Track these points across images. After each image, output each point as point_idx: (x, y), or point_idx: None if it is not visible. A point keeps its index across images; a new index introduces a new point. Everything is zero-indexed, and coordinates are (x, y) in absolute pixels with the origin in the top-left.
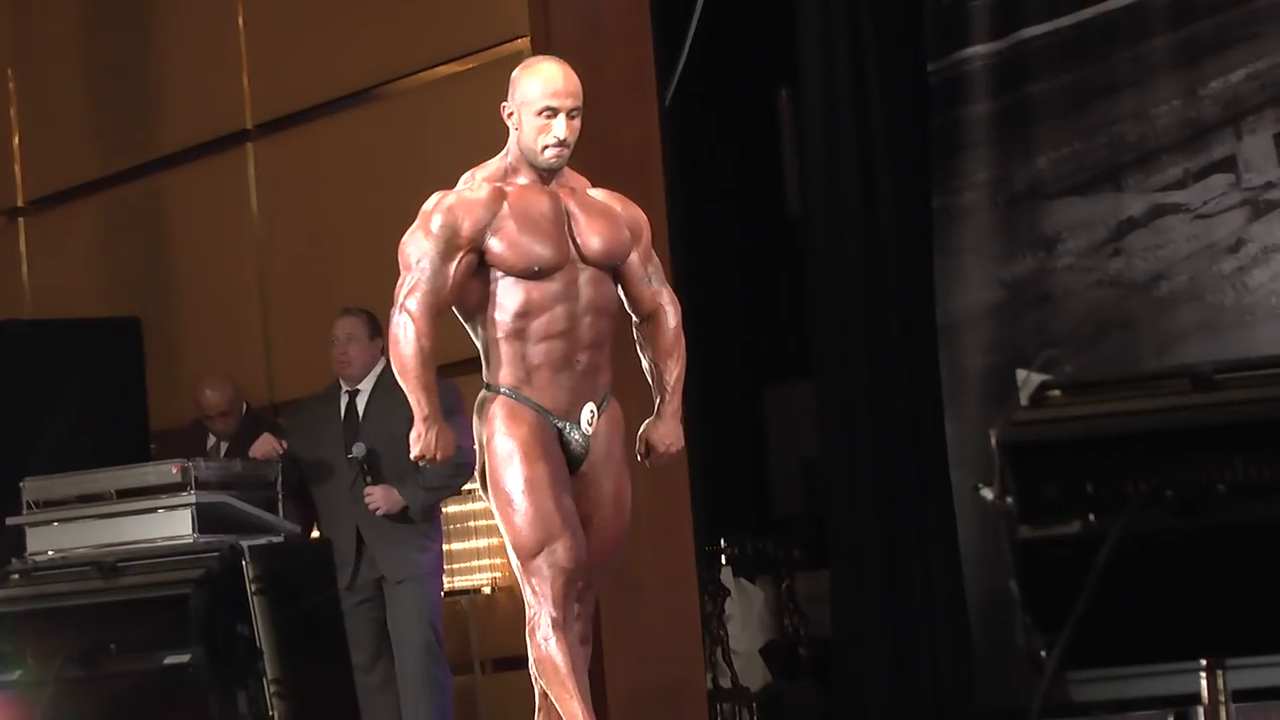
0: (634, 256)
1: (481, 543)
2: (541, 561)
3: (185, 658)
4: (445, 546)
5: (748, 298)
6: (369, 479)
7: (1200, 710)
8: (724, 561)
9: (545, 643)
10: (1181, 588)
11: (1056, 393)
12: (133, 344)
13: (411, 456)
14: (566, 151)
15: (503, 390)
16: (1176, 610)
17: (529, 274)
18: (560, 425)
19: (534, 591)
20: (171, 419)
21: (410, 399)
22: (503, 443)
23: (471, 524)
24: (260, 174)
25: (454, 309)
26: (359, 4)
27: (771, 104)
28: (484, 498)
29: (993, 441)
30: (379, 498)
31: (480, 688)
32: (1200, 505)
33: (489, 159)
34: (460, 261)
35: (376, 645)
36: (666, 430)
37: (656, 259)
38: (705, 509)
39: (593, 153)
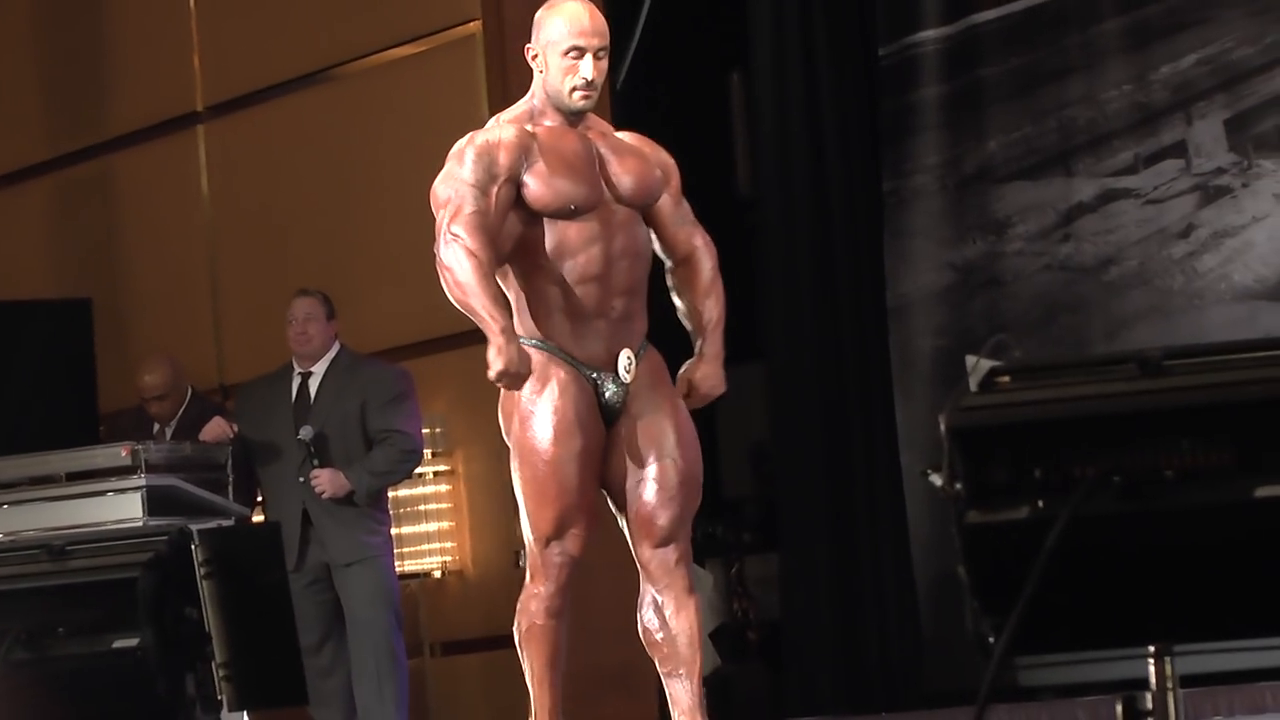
0: (665, 199)
1: (431, 526)
2: (552, 546)
3: (134, 640)
4: (395, 530)
5: None
6: (316, 462)
7: (1148, 695)
8: None
9: (535, 623)
10: (1129, 572)
11: (1005, 378)
12: (83, 325)
13: (490, 375)
14: (595, 93)
15: (535, 343)
16: (1124, 595)
17: (564, 213)
18: (596, 377)
19: (537, 568)
20: (122, 401)
21: (479, 318)
22: (529, 401)
23: (421, 508)
24: (211, 156)
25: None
26: None
27: (723, 87)
28: (507, 443)
29: (941, 426)
30: (325, 481)
31: (429, 670)
32: (1147, 490)
33: (440, 140)
34: (500, 191)
35: (324, 627)
36: (709, 371)
37: (686, 203)
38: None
39: None
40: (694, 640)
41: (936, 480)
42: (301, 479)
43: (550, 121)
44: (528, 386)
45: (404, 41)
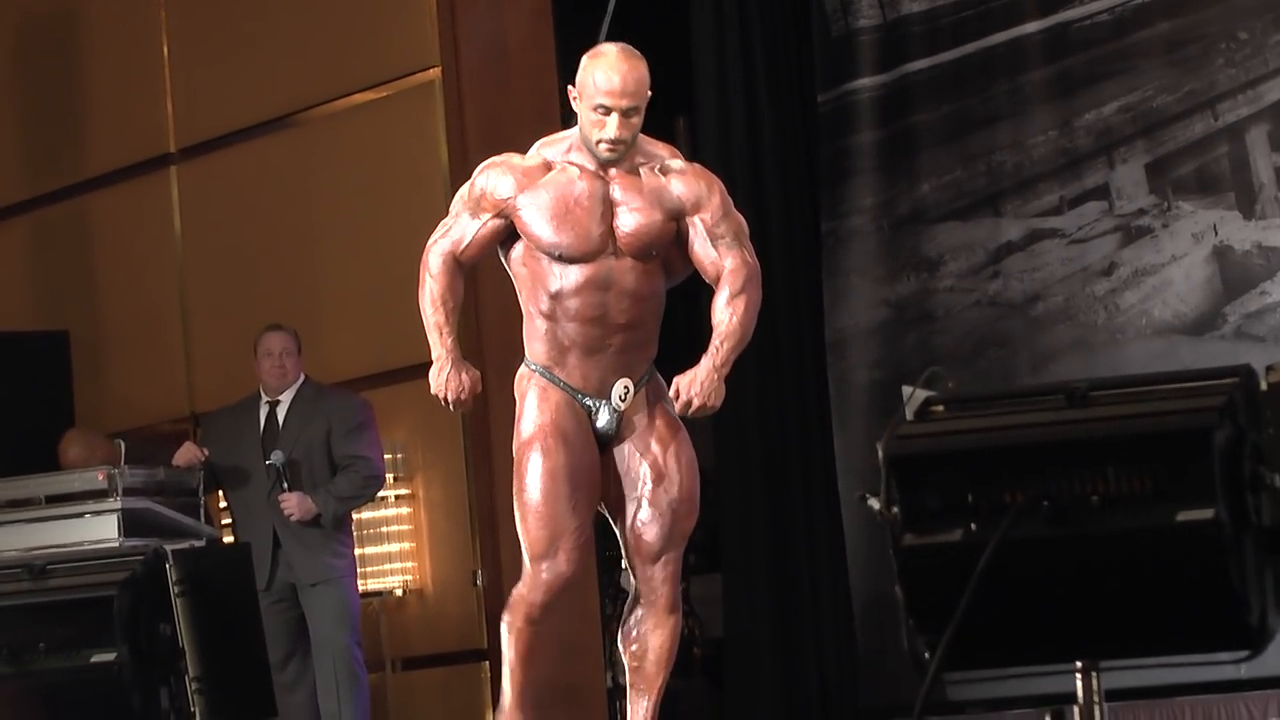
0: (695, 222)
1: (393, 547)
2: (544, 562)
3: (110, 656)
4: (359, 550)
5: None
6: (286, 485)
7: (1075, 709)
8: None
9: (515, 624)
10: (1057, 593)
11: (939, 408)
12: (60, 357)
13: (432, 391)
14: (622, 147)
15: (536, 367)
16: (1052, 614)
17: (552, 255)
18: (591, 404)
19: (527, 577)
20: (97, 428)
21: (428, 338)
22: (529, 426)
23: (383, 529)
24: (182, 196)
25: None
26: (277, 35)
27: (669, 131)
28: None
29: (879, 454)
30: (293, 504)
31: (390, 686)
32: (1074, 515)
33: (400, 181)
34: (486, 223)
35: (290, 644)
36: (696, 377)
37: (736, 218)
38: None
39: None
40: (661, 660)
41: (874, 505)
42: (271, 503)
43: (582, 158)
44: (527, 407)
45: (366, 88)
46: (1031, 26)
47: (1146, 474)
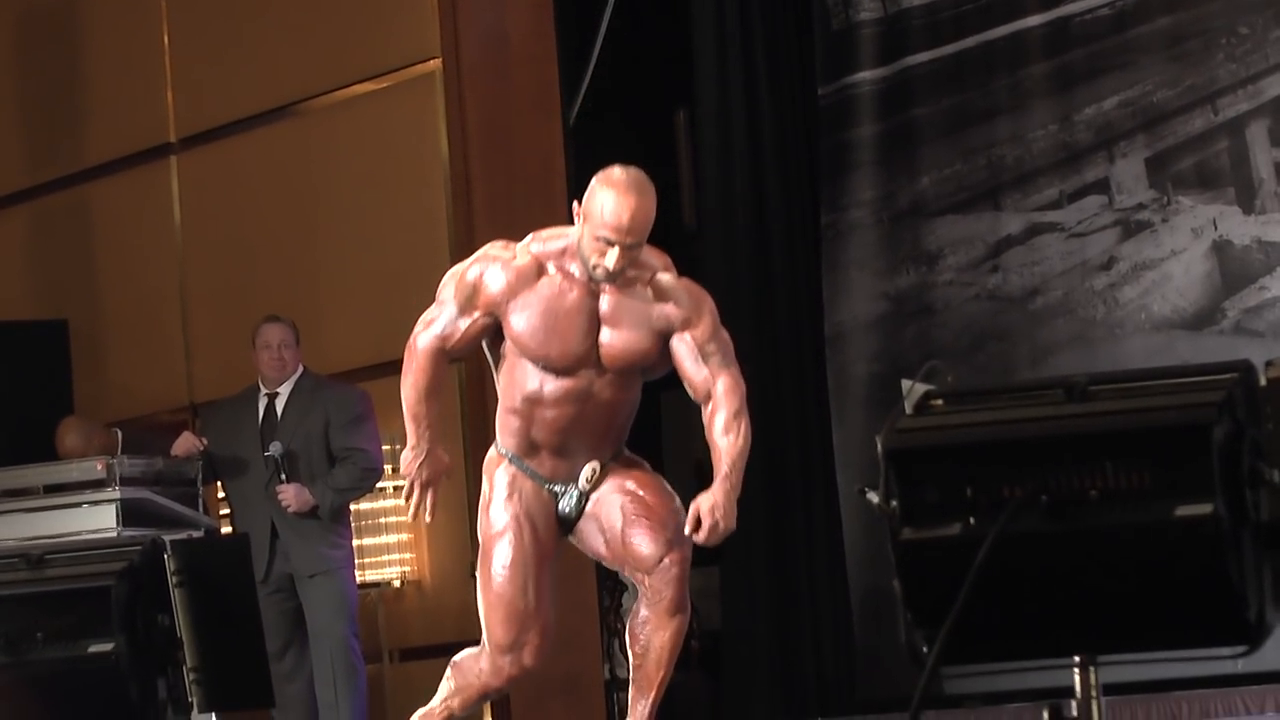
0: (685, 339)
1: (391, 538)
2: (507, 655)
3: (108, 646)
4: (356, 542)
5: None
6: (284, 476)
7: (1073, 703)
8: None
9: (470, 682)
10: (1055, 588)
11: (939, 402)
12: (60, 346)
13: (401, 473)
14: (618, 277)
15: (507, 453)
16: (1050, 609)
17: (537, 363)
18: (557, 490)
19: (487, 663)
20: (96, 418)
21: (407, 428)
22: (499, 516)
23: (381, 520)
24: (182, 186)
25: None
26: (278, 25)
27: (669, 124)
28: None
29: (878, 447)
30: (291, 496)
31: (388, 677)
32: (1073, 510)
33: (399, 171)
34: (476, 320)
35: (287, 635)
36: (717, 501)
37: (724, 337)
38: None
39: (498, 169)
40: (662, 661)
41: (873, 498)
42: (270, 494)
43: (574, 268)
44: (496, 495)
45: (366, 78)
46: (1032, 20)
47: (1145, 469)
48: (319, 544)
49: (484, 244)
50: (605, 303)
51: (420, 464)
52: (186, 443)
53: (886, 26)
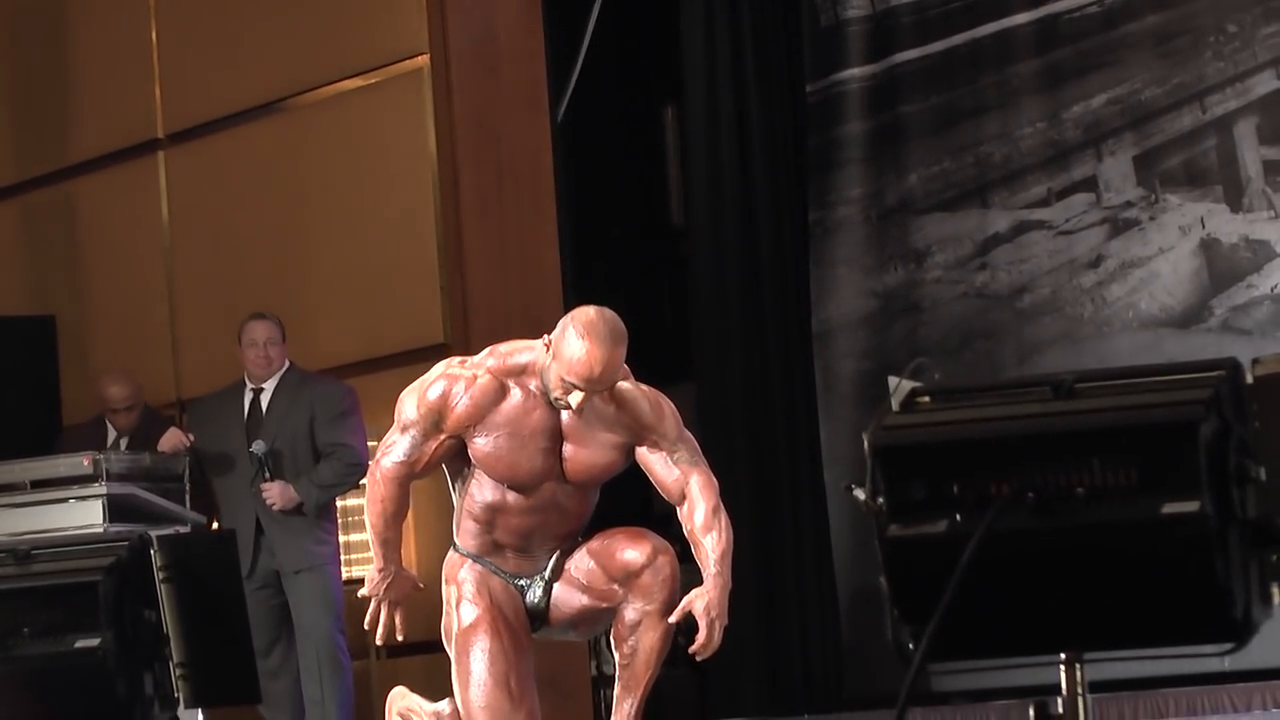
0: (652, 447)
1: None
2: None
3: (95, 641)
4: (343, 537)
5: (633, 304)
6: (268, 474)
7: (1059, 700)
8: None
9: None
10: (1042, 584)
11: (926, 399)
12: (47, 341)
13: (360, 594)
14: (580, 413)
15: (469, 554)
16: (1037, 606)
17: (502, 482)
18: (524, 584)
19: None
20: (83, 413)
21: (372, 549)
22: (470, 612)
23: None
24: (170, 182)
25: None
26: (266, 21)
27: (657, 121)
28: (446, 650)
29: (865, 444)
30: (275, 494)
31: (375, 672)
32: (1059, 507)
33: (387, 167)
34: (441, 443)
35: (274, 631)
36: (712, 600)
37: (688, 437)
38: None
39: (486, 165)
40: (651, 661)
41: (860, 495)
42: (254, 491)
43: (533, 385)
44: (464, 592)
45: (354, 74)
46: (1021, 18)
47: (1132, 466)
48: (304, 540)
49: (472, 240)
50: (566, 417)
51: (388, 585)
52: (173, 438)
53: (874, 24)
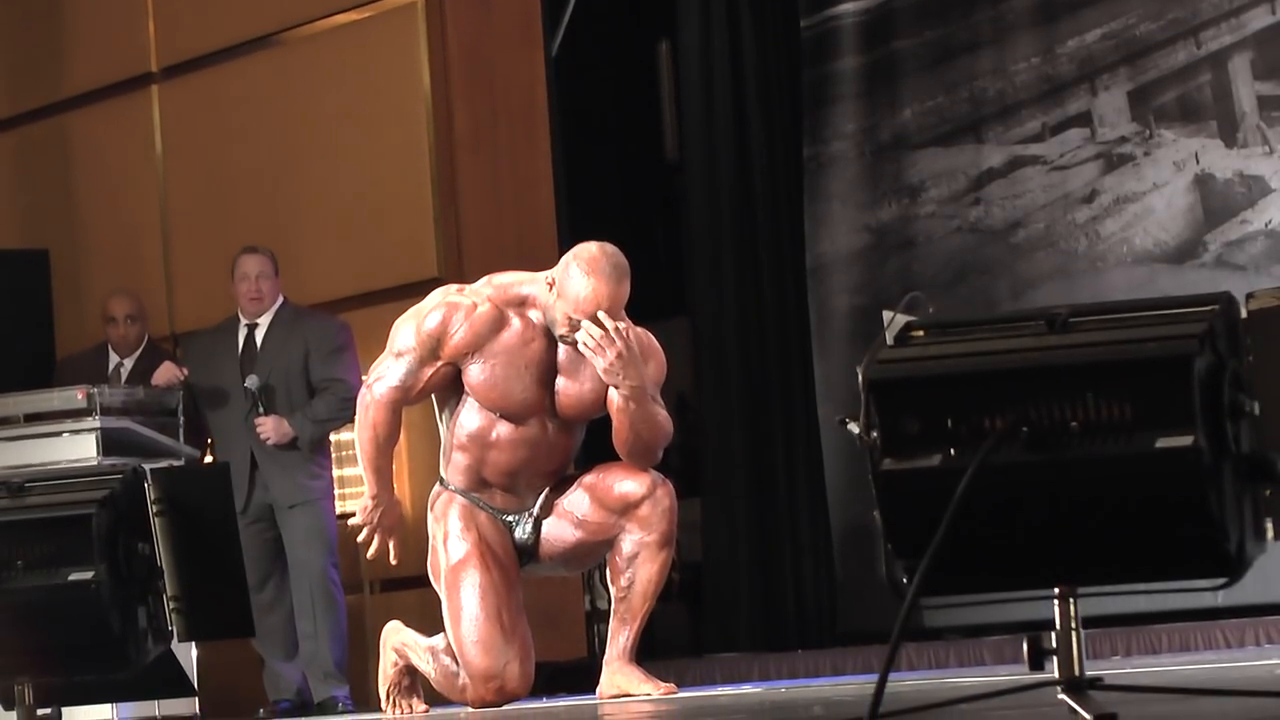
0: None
1: None
2: (491, 682)
3: (89, 574)
4: (336, 472)
5: (627, 240)
6: (262, 409)
7: (1052, 635)
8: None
9: (437, 679)
10: (1035, 519)
11: (920, 333)
12: (41, 275)
13: (351, 522)
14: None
15: (456, 489)
16: (1031, 541)
17: (492, 410)
18: (512, 520)
19: (470, 692)
20: (77, 346)
21: (364, 476)
22: (459, 548)
23: None
24: (164, 115)
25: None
26: None
27: (652, 56)
28: (434, 586)
29: (859, 378)
30: (270, 428)
31: (369, 606)
32: (1054, 441)
33: (381, 102)
34: (438, 370)
35: (267, 566)
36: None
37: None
38: (585, 442)
39: (480, 100)
40: (647, 594)
41: (854, 429)
42: (249, 425)
43: (535, 317)
44: (451, 528)
45: (348, 8)
46: None
47: (1126, 401)
48: (298, 474)
49: (466, 174)
50: (563, 353)
51: (381, 511)
52: (167, 372)
53: None
